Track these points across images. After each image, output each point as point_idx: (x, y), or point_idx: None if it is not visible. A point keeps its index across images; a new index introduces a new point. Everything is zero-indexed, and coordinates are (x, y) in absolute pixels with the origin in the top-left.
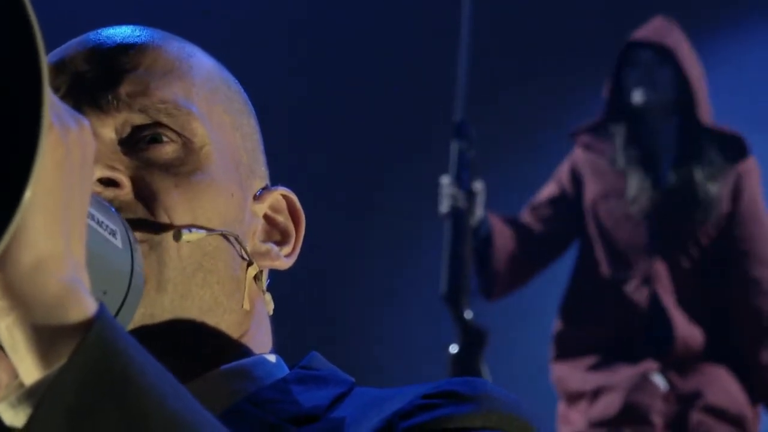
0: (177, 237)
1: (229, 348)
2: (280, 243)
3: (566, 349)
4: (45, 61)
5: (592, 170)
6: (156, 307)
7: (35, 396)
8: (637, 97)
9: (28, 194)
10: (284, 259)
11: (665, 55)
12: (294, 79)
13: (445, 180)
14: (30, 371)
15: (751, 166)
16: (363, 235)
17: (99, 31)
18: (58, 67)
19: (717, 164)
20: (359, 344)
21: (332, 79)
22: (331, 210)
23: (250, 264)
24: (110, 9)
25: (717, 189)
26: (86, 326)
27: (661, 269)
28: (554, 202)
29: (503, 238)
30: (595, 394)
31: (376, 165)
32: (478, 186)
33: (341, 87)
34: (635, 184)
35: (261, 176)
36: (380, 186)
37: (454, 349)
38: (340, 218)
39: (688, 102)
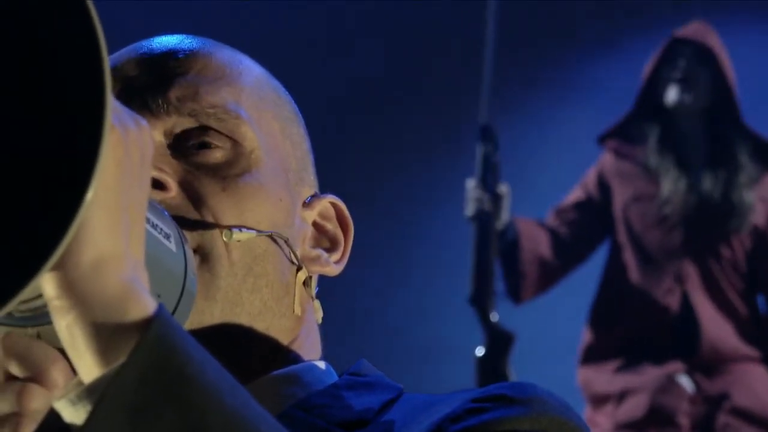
0: (227, 235)
1: (279, 353)
2: (329, 250)
3: (593, 352)
4: (107, 63)
5: (622, 176)
6: (205, 314)
7: (95, 393)
8: (672, 94)
9: (90, 194)
10: (333, 265)
11: (705, 56)
12: (320, 81)
13: (471, 183)
14: (89, 369)
15: None
16: (390, 239)
17: (150, 39)
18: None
19: (751, 171)
20: (388, 348)
21: (358, 82)
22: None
23: (299, 269)
24: (162, 20)
25: (752, 196)
26: (146, 325)
27: (692, 272)
28: (580, 206)
29: (530, 241)
30: (621, 396)
31: (402, 168)
32: (504, 189)
33: (367, 90)
34: (669, 186)
35: (310, 184)
36: (407, 189)
37: (480, 351)
38: (367, 224)
39: (724, 105)
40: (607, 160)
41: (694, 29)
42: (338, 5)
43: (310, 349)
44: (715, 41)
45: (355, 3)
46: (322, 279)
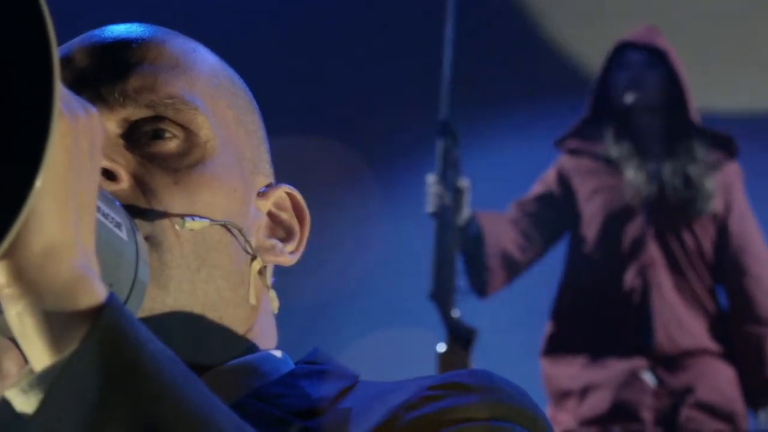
0: (180, 224)
1: (234, 343)
2: (285, 240)
3: (557, 346)
4: (56, 51)
5: (583, 172)
6: (156, 302)
7: (46, 381)
8: (627, 98)
9: (39, 182)
10: (288, 255)
11: (656, 57)
12: (281, 79)
13: (431, 179)
14: (40, 357)
15: (736, 167)
16: (349, 234)
17: (102, 28)
18: (60, 63)
19: (708, 161)
20: (347, 344)
21: (317, 78)
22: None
23: (254, 258)
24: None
25: (712, 184)
26: (97, 312)
27: (657, 263)
28: (541, 199)
29: (494, 234)
30: (584, 391)
31: (362, 163)
32: (464, 184)
33: (327, 86)
34: (632, 173)
35: (265, 173)
36: (367, 184)
37: (441, 348)
38: (326, 216)
39: (677, 102)
40: (564, 159)
41: (643, 32)
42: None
43: (266, 339)
44: (663, 41)
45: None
46: (282, 270)
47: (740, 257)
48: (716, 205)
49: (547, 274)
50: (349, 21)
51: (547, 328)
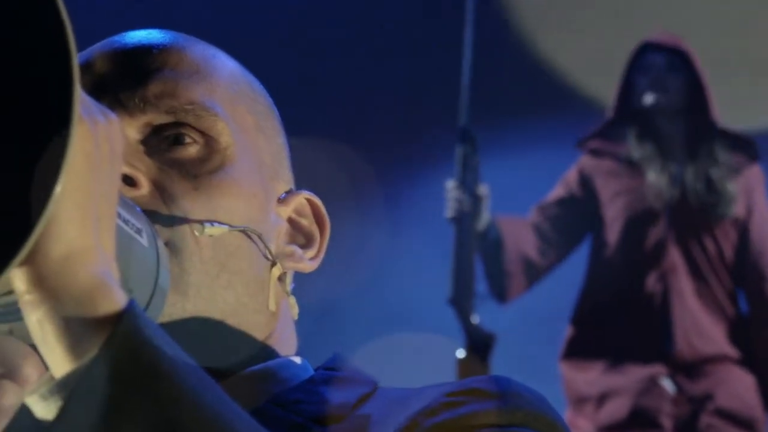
0: (199, 230)
1: (254, 350)
2: (305, 246)
3: (576, 351)
4: (76, 57)
5: (604, 173)
6: (176, 307)
7: (66, 388)
8: (648, 100)
9: (59, 188)
10: (308, 261)
11: (678, 59)
12: (296, 84)
13: (451, 184)
14: (60, 364)
15: (758, 170)
16: (369, 240)
17: (122, 34)
18: (80, 69)
19: (730, 164)
20: (366, 350)
21: (337, 84)
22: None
23: (274, 264)
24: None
25: (733, 187)
26: (116, 319)
27: (678, 268)
28: (562, 202)
29: (514, 239)
30: (603, 398)
31: (381, 169)
32: (483, 190)
33: (346, 93)
34: (653, 176)
35: (285, 179)
36: (386, 191)
37: (460, 354)
38: (345, 224)
39: (699, 104)
40: (586, 160)
41: (664, 35)
42: (317, 6)
43: (286, 345)
44: (684, 44)
45: (335, 4)
46: (302, 276)
47: (761, 262)
48: (738, 208)
49: (568, 278)
50: (368, 27)
51: (567, 332)
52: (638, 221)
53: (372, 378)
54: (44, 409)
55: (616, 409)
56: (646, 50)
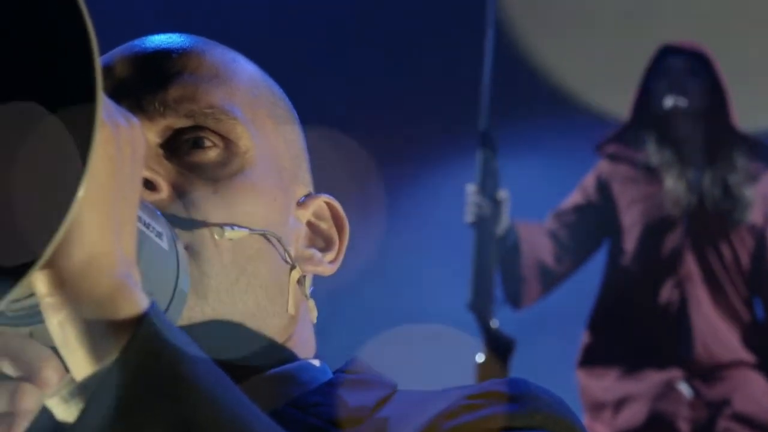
0: (219, 233)
1: (273, 353)
2: (324, 250)
3: (593, 357)
4: (98, 60)
5: (622, 179)
6: (195, 311)
7: (87, 391)
8: (668, 103)
9: (81, 192)
10: (328, 265)
11: (698, 63)
12: (318, 88)
13: (471, 188)
14: (81, 367)
15: None
16: (389, 243)
17: (142, 38)
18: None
19: (748, 169)
20: (386, 353)
21: (357, 88)
22: (355, 220)
23: (293, 268)
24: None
25: (750, 193)
26: (137, 322)
27: (694, 274)
28: (579, 209)
29: (531, 245)
30: (620, 403)
31: (401, 173)
32: (504, 194)
33: (367, 96)
34: (671, 182)
35: (305, 183)
36: (406, 195)
37: (480, 358)
38: (364, 229)
39: (719, 109)
40: (604, 165)
41: (685, 39)
42: (337, 8)
43: (305, 348)
44: (705, 48)
45: (355, 5)
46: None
47: None
48: (754, 215)
49: (585, 284)
50: (389, 32)
51: (583, 338)
52: (656, 228)
53: (391, 381)
54: (65, 412)
55: (634, 414)
56: (666, 53)
